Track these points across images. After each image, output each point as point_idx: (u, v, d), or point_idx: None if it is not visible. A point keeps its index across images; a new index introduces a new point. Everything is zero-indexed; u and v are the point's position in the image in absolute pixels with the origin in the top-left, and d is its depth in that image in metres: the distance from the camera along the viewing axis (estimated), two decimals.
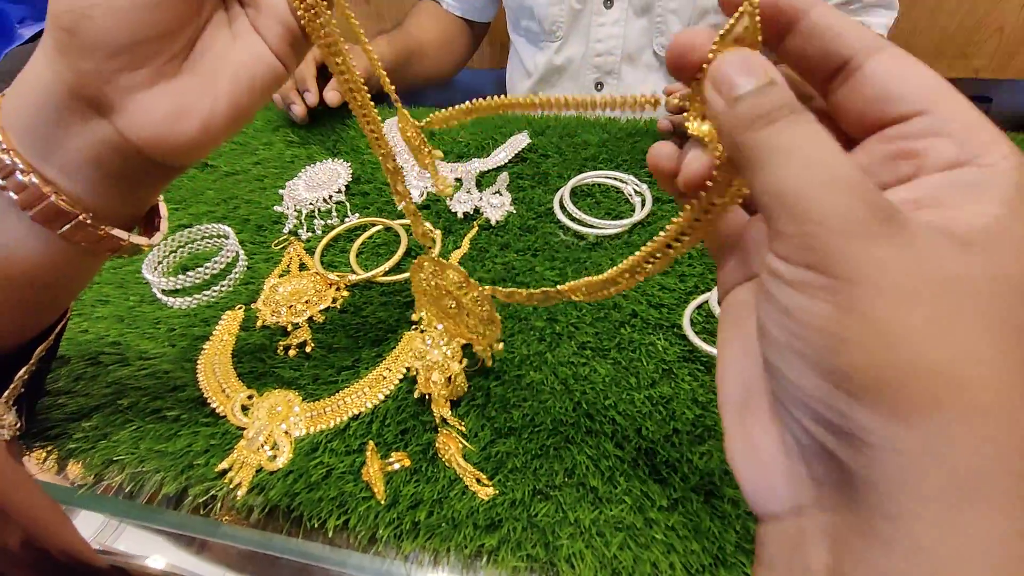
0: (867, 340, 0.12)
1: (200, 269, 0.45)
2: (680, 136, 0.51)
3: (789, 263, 0.13)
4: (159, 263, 0.47)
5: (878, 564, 0.12)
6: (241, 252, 0.48)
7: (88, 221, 0.24)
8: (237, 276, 0.46)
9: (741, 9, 0.15)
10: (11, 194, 0.23)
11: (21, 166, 0.23)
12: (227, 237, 0.48)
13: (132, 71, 0.22)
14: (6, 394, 0.31)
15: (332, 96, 0.61)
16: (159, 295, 0.45)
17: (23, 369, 0.31)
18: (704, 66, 0.16)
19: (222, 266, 0.47)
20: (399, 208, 0.32)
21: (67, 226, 0.24)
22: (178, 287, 0.45)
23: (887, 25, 0.68)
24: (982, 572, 0.11)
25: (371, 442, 0.33)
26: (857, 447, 0.12)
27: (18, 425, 0.32)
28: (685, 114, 0.18)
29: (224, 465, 0.33)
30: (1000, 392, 0.11)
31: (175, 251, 0.49)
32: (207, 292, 0.44)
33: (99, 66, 0.21)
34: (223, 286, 0.45)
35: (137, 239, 0.27)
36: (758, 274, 0.16)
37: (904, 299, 0.12)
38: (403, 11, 0.86)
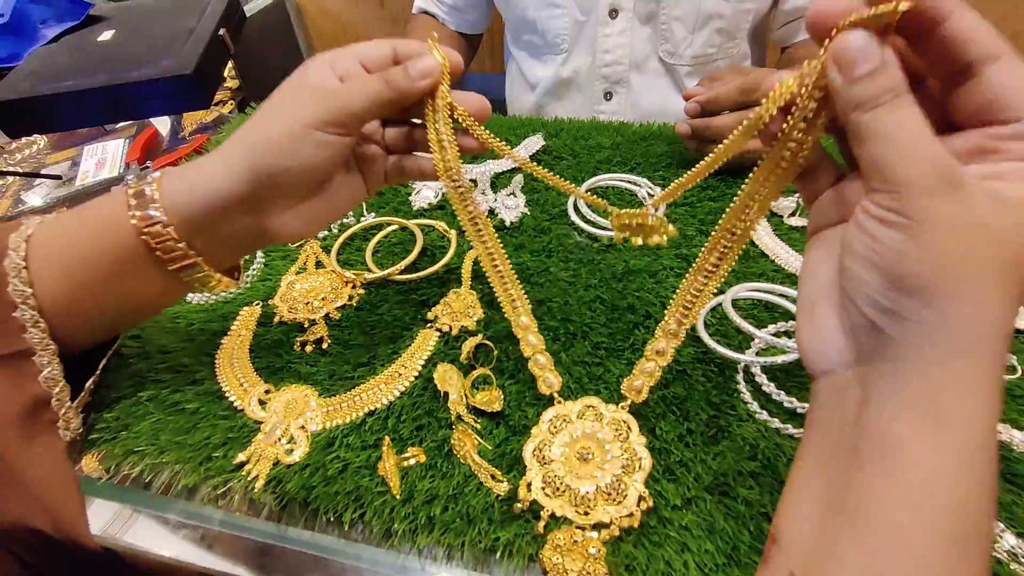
0: (921, 258, 0.18)
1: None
2: (698, 139, 0.51)
3: (880, 207, 0.19)
4: None
5: (891, 389, 0.20)
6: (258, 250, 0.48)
7: (214, 273, 0.34)
8: (254, 273, 0.47)
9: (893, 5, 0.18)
10: (160, 254, 0.31)
11: (180, 242, 0.31)
12: None
13: (295, 200, 0.33)
14: (77, 401, 0.34)
15: None
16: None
17: (91, 380, 0.35)
18: (833, 33, 0.19)
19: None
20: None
21: (197, 276, 0.33)
22: None
23: None
24: (961, 393, 0.19)
25: (387, 437, 0.34)
26: (897, 321, 0.19)
27: (80, 430, 0.35)
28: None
29: (242, 457, 0.34)
30: (994, 293, 0.18)
31: None
32: None
33: (280, 198, 0.32)
34: (241, 283, 0.46)
35: (237, 282, 0.37)
36: (846, 220, 0.22)
37: (949, 235, 0.18)
38: None
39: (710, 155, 0.28)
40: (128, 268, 0.32)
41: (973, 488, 0.18)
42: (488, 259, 0.36)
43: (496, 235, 0.37)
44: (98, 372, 0.36)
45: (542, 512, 0.30)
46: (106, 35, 0.76)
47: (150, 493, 0.34)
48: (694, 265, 0.31)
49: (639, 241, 0.35)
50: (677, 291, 0.33)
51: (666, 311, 0.36)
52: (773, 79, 0.23)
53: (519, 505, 0.30)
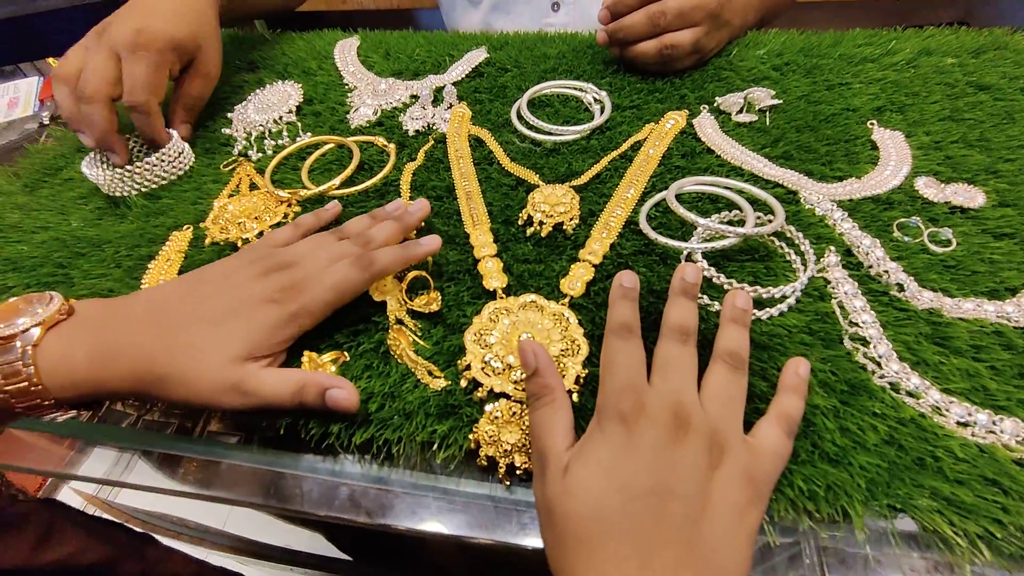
0: (542, 519, 0.25)
1: (146, 162, 0.44)
2: (618, 44, 0.50)
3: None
4: (102, 161, 0.46)
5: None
6: (187, 147, 0.47)
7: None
8: (185, 164, 0.47)
9: None
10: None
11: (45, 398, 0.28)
12: (169, 139, 0.47)
13: None
14: None
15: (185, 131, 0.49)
16: (103, 188, 0.44)
17: None
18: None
19: (171, 158, 0.46)
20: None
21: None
22: (124, 179, 0.44)
23: None
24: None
25: (307, 352, 0.32)
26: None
27: None
28: None
29: None
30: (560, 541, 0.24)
31: None
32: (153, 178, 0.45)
33: None
34: (170, 171, 0.46)
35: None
36: None
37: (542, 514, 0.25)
38: None
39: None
40: None
41: None
42: (461, 182, 0.42)
43: (472, 162, 0.44)
44: None
45: (481, 387, 0.30)
46: None
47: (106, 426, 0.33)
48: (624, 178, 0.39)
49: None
50: (612, 195, 0.38)
51: (602, 212, 0.37)
52: None
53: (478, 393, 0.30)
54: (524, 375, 0.28)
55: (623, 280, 0.31)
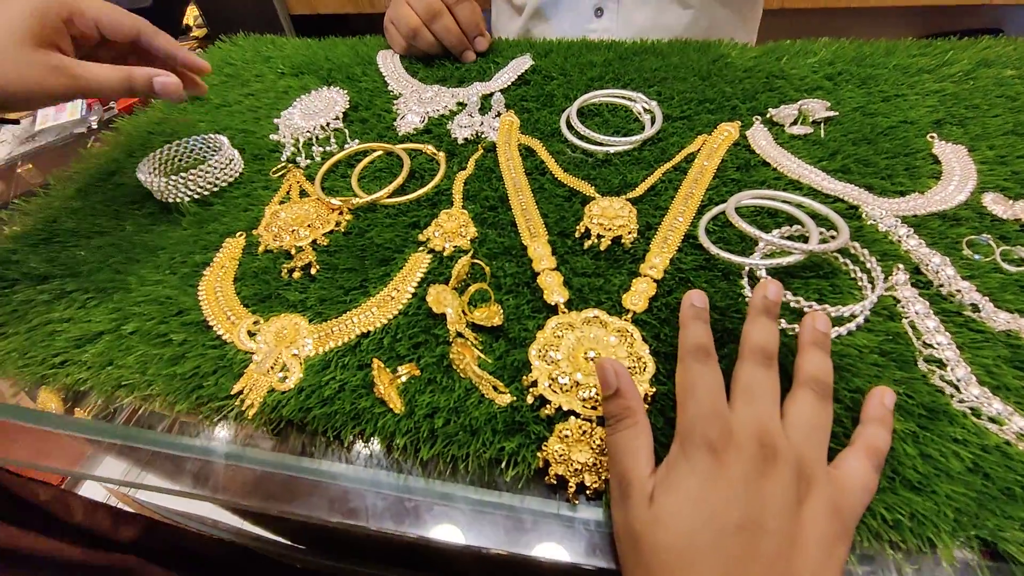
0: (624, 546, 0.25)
1: (199, 169, 0.44)
2: None
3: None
4: (156, 167, 0.47)
5: None
6: (237, 155, 0.48)
7: None
8: (236, 171, 0.47)
9: None
10: None
11: None
12: (220, 147, 0.47)
13: None
14: None
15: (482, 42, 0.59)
16: (156, 194, 0.44)
17: None
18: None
19: (223, 166, 0.46)
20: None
21: None
22: (178, 186, 0.44)
23: None
24: None
25: (375, 360, 0.32)
26: None
27: None
28: None
29: (239, 386, 0.33)
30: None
31: (170, 160, 0.48)
32: (205, 184, 0.45)
33: None
34: (222, 178, 0.46)
35: None
36: None
37: (623, 537, 0.25)
38: None
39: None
40: None
41: None
42: (515, 193, 0.42)
43: (524, 172, 0.44)
44: None
45: (548, 404, 0.29)
46: None
47: (154, 432, 0.33)
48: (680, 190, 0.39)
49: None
50: (669, 208, 0.38)
51: (659, 226, 0.37)
52: None
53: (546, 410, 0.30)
54: (602, 395, 0.27)
55: (693, 300, 0.31)
